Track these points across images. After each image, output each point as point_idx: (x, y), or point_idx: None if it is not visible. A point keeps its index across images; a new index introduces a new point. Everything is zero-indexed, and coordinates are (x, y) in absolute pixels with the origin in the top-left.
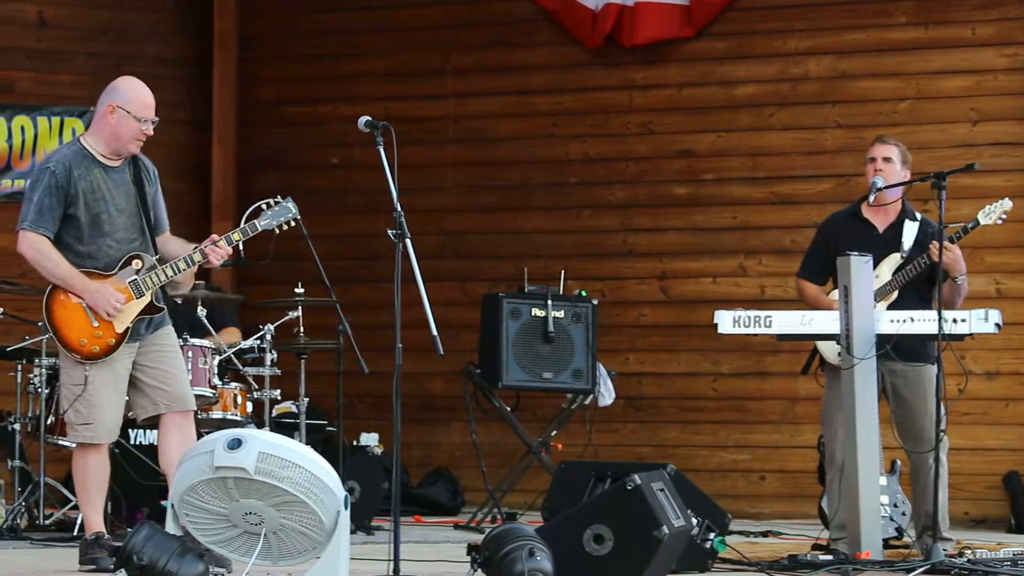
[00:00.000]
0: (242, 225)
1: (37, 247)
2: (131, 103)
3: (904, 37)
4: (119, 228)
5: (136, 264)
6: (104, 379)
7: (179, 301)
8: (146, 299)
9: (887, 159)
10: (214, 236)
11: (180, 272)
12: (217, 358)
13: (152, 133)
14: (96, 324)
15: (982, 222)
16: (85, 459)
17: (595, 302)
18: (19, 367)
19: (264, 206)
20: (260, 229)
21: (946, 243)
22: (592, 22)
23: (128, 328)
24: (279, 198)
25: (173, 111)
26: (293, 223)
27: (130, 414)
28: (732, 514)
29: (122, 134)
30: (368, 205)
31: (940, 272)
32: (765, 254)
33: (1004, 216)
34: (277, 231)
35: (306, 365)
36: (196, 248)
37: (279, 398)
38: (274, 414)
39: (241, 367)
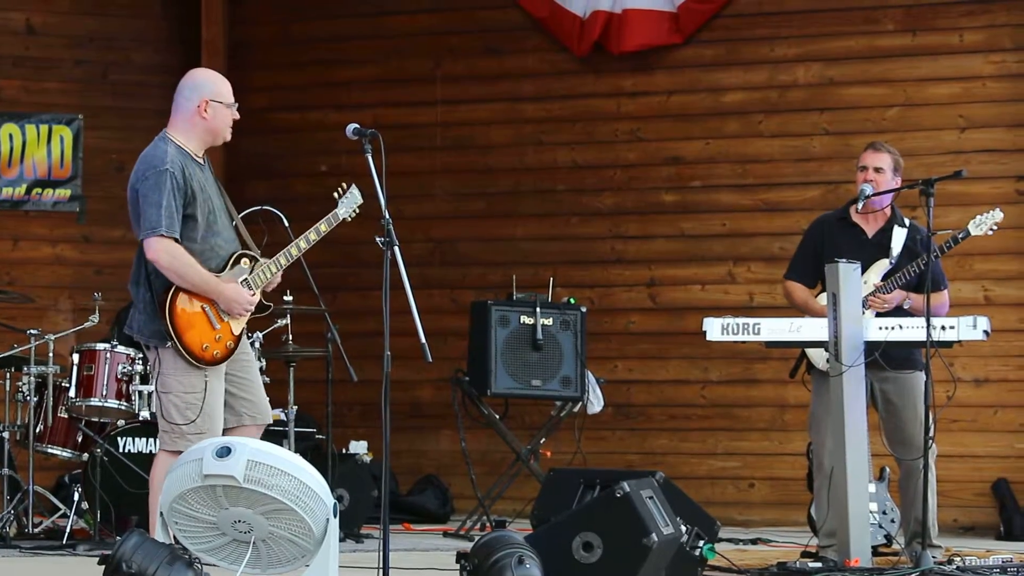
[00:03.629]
0: (325, 217)
1: (173, 253)
2: (220, 93)
3: (892, 44)
4: (224, 227)
5: (245, 263)
6: (216, 387)
7: None
8: (257, 297)
9: (878, 169)
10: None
11: (282, 267)
12: None
13: (239, 116)
14: (217, 327)
15: (972, 232)
16: None
17: (584, 309)
18: (7, 375)
19: (335, 194)
20: (341, 218)
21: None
22: (580, 30)
23: (243, 329)
24: (344, 186)
25: (161, 119)
26: (358, 209)
27: (120, 422)
28: (721, 521)
29: (219, 126)
30: (357, 212)
31: (928, 279)
32: (754, 261)
33: (995, 227)
34: (348, 219)
35: (295, 373)
36: (293, 243)
37: None
38: None
39: None
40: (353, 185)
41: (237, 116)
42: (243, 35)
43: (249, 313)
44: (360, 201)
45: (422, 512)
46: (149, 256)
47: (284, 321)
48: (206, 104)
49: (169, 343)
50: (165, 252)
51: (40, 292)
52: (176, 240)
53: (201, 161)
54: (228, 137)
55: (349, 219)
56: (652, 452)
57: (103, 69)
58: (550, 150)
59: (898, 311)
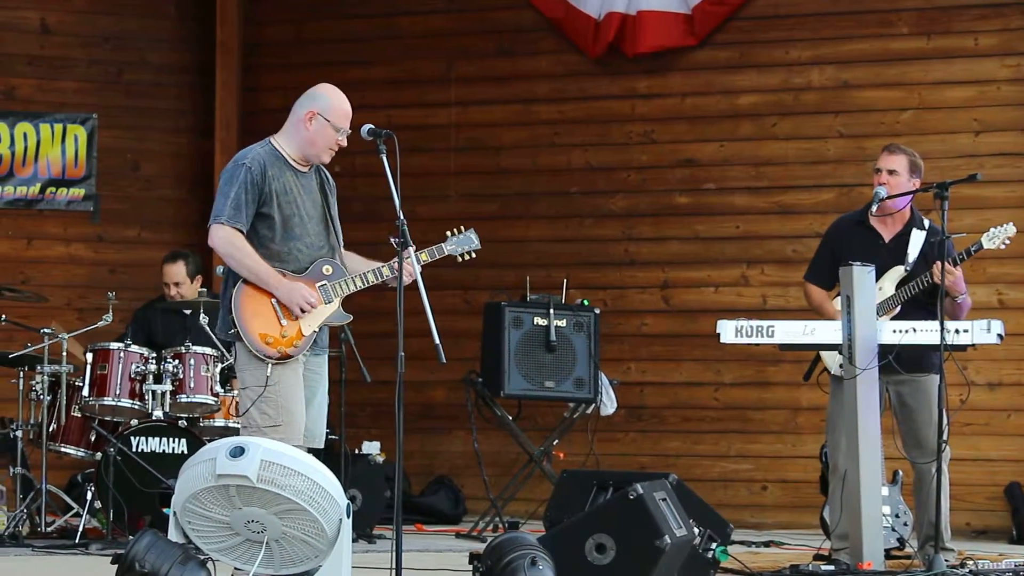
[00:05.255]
0: (429, 248)
1: (232, 241)
2: (331, 112)
3: (906, 47)
4: (309, 233)
5: (326, 270)
6: (290, 379)
7: (187, 311)
8: (334, 306)
9: (892, 171)
10: (406, 253)
11: (368, 284)
12: (219, 365)
13: (345, 144)
14: (284, 323)
15: (985, 246)
16: None
17: (597, 311)
18: (21, 374)
19: (449, 233)
20: (446, 253)
21: (948, 266)
22: (595, 31)
23: (314, 331)
24: (463, 227)
25: (176, 119)
26: (474, 254)
27: (133, 421)
28: (734, 524)
29: (318, 142)
30: (370, 213)
31: (943, 282)
32: (767, 264)
33: (1008, 241)
34: (459, 259)
35: None
36: (386, 264)
37: None
38: None
39: None
40: (472, 230)
41: (343, 143)
42: (257, 35)
43: (311, 313)
44: (477, 246)
45: (435, 513)
46: (209, 242)
47: None
48: (312, 116)
49: (233, 331)
50: (223, 239)
51: (53, 292)
52: (240, 231)
53: (303, 169)
54: (325, 159)
55: (460, 259)
56: (665, 454)
57: (118, 68)
58: (564, 151)
59: (914, 317)
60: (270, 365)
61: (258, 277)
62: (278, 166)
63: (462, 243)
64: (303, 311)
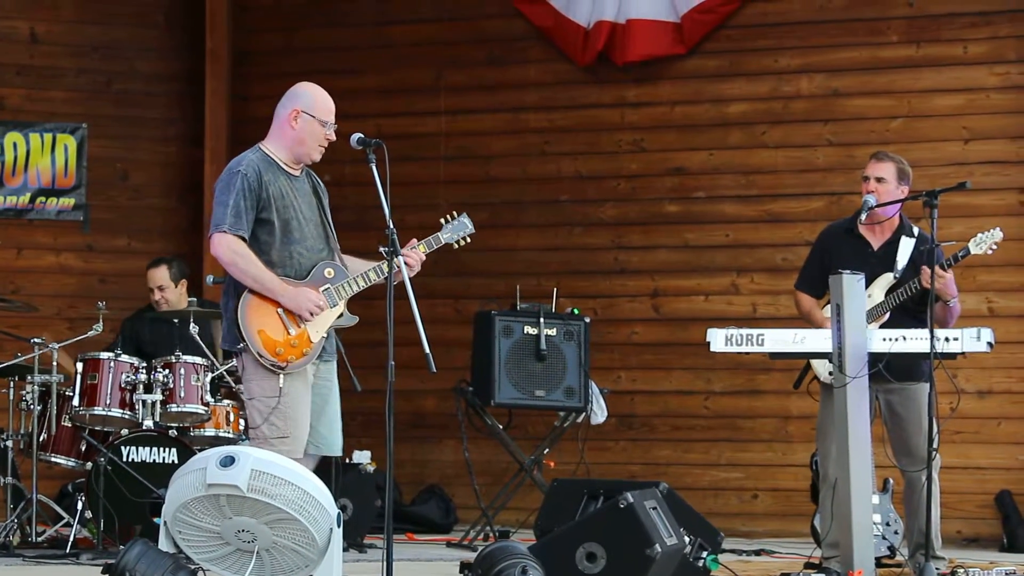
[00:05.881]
0: (427, 239)
1: (235, 249)
2: (315, 107)
3: (896, 55)
4: (308, 236)
5: (328, 273)
6: (299, 390)
7: (176, 321)
8: (339, 309)
9: (880, 179)
10: (412, 242)
11: (371, 282)
12: (209, 375)
13: (334, 138)
14: (292, 332)
15: (973, 251)
16: None
17: (587, 320)
18: (11, 384)
19: (443, 220)
20: (444, 242)
21: (937, 269)
22: (584, 40)
23: (323, 338)
24: (455, 213)
25: (165, 128)
26: (469, 239)
27: (123, 431)
28: (724, 532)
29: (306, 139)
30: (360, 222)
31: (932, 291)
32: (757, 272)
33: (995, 247)
34: (455, 245)
35: None
36: (386, 262)
37: None
38: None
39: (233, 384)
40: (464, 214)
41: (332, 137)
42: (247, 44)
43: (320, 317)
44: (471, 231)
45: (425, 522)
46: (212, 251)
47: None
48: (296, 114)
49: (242, 344)
50: (226, 248)
51: (43, 301)
52: (242, 239)
53: (295, 173)
54: (316, 157)
55: (455, 246)
56: (655, 463)
57: (107, 78)
58: (554, 160)
59: (903, 324)
60: (282, 376)
61: (262, 285)
62: (272, 171)
63: (457, 229)
64: (312, 315)
